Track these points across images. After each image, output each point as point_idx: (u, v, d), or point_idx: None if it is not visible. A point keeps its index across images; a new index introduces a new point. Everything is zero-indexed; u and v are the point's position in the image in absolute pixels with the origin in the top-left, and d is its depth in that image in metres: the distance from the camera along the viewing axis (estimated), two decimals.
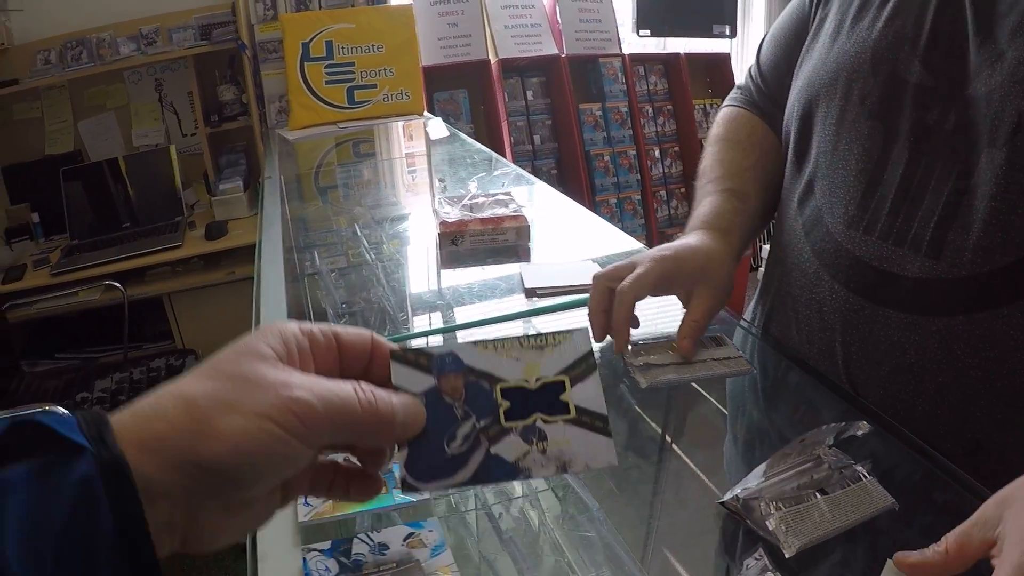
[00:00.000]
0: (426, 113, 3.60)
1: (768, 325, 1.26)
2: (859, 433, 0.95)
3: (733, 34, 4.61)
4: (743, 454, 1.16)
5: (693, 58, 4.48)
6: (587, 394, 0.56)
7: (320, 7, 3.64)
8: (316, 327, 0.53)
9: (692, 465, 1.16)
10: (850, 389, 1.07)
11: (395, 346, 0.57)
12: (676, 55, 4.40)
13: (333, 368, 0.54)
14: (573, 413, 0.55)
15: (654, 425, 1.23)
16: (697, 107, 4.40)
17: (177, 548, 0.47)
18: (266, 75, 3.61)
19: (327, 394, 0.47)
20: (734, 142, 1.30)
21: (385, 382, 0.55)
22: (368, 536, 0.93)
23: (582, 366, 0.57)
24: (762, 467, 0.91)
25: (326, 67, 3.50)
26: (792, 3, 1.27)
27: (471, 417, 0.54)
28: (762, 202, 1.23)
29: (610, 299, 1.04)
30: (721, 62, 4.55)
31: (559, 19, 4.12)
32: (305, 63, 3.48)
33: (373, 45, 3.53)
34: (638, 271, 1.04)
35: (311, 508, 0.99)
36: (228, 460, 0.43)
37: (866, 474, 0.90)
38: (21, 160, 3.68)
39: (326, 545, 0.92)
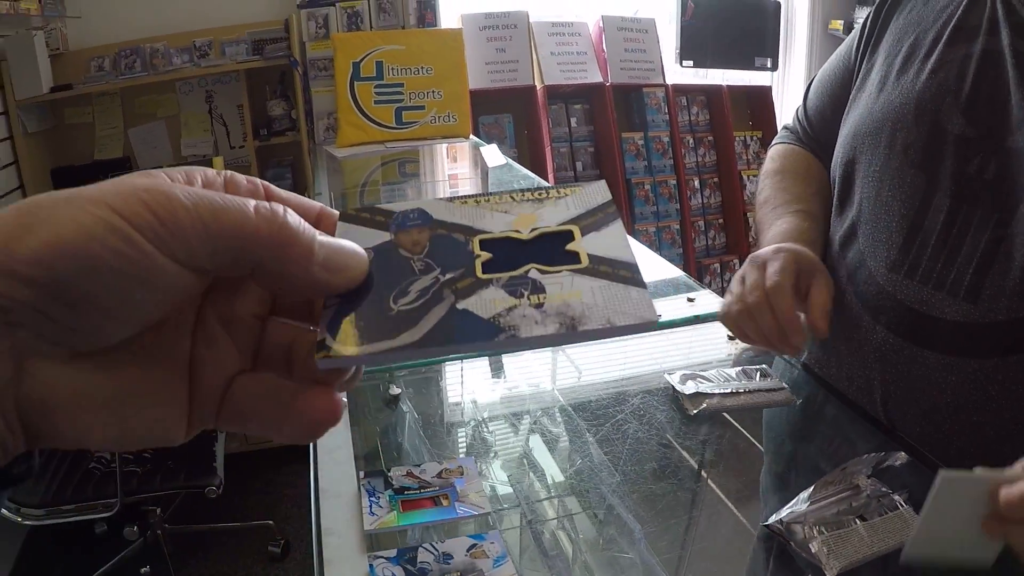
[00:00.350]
0: (472, 137, 3.64)
1: (806, 361, 1.30)
2: (897, 464, 1.01)
3: (775, 67, 4.62)
4: (779, 481, 1.20)
5: (735, 90, 4.50)
6: (605, 243, 0.40)
7: (372, 27, 3.69)
8: (245, 176, 0.41)
9: (723, 495, 1.19)
10: (888, 424, 1.10)
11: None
12: (718, 87, 4.42)
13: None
14: (585, 262, 0.39)
15: (687, 455, 1.26)
16: (737, 139, 4.42)
17: (11, 439, 0.33)
18: (316, 92, 3.66)
19: (205, 194, 0.34)
20: (793, 172, 1.33)
21: None
22: (433, 546, 0.96)
23: (598, 215, 0.42)
24: (806, 493, 0.96)
25: (376, 87, 3.53)
26: (838, 51, 1.31)
27: (433, 269, 0.40)
28: (826, 226, 1.26)
29: (761, 312, 1.04)
30: (762, 95, 4.56)
31: (605, 48, 4.15)
32: (355, 82, 3.52)
33: (422, 67, 3.57)
34: (774, 265, 1.05)
35: (376, 517, 1.03)
36: (50, 262, 0.30)
37: (903, 503, 0.95)
38: (71, 163, 3.74)
39: (392, 553, 0.95)
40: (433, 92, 3.58)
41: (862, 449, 1.09)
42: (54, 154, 3.72)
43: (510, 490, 1.20)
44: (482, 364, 1.59)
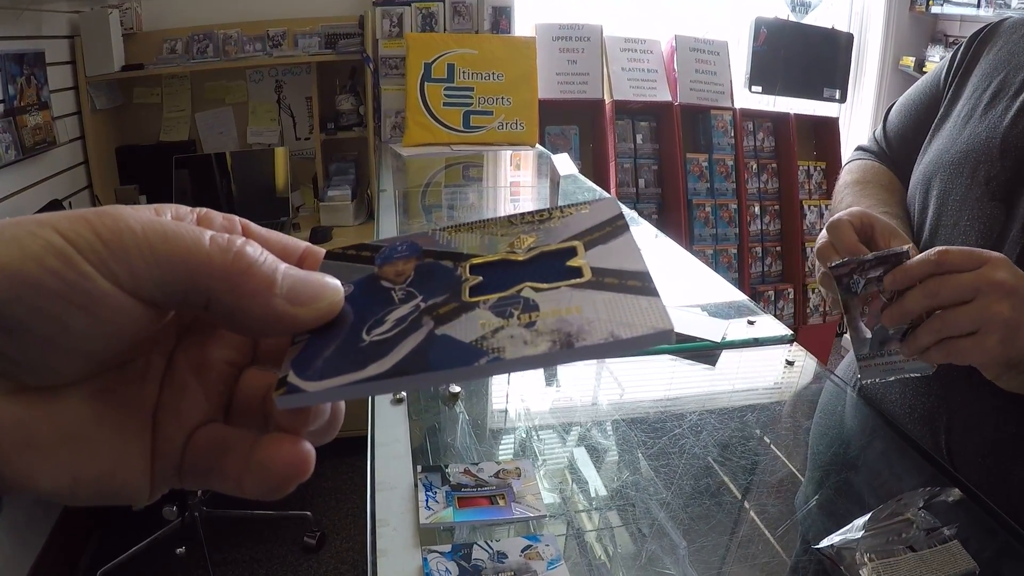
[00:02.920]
0: (537, 146, 3.63)
1: (864, 389, 1.29)
2: (950, 499, 1.01)
3: (843, 99, 4.59)
4: (823, 507, 1.20)
5: (801, 119, 4.46)
6: (612, 254, 0.36)
7: (445, 29, 3.70)
8: (221, 214, 0.38)
9: (760, 522, 1.18)
10: (947, 455, 1.10)
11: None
12: (786, 114, 4.39)
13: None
14: (588, 276, 0.35)
15: (726, 479, 1.25)
16: (801, 168, 4.38)
17: None
18: (385, 90, 3.68)
19: (158, 219, 0.32)
20: (876, 183, 1.34)
21: None
22: (488, 543, 0.96)
23: (606, 228, 0.38)
24: (860, 521, 0.97)
25: (445, 89, 3.55)
26: (926, 77, 1.33)
27: (415, 297, 0.36)
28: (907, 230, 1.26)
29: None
30: (829, 125, 4.53)
31: (676, 67, 4.14)
32: (426, 83, 3.53)
33: (493, 73, 3.57)
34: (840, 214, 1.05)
35: (432, 512, 1.02)
36: None
37: (952, 538, 0.95)
38: (136, 143, 3.79)
39: (447, 548, 0.95)
40: (502, 99, 3.58)
41: (908, 481, 1.10)
42: (120, 132, 3.78)
43: (555, 499, 1.19)
44: (536, 373, 1.59)
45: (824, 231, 1.04)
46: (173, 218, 0.34)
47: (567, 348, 0.32)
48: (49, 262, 0.29)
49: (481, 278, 0.36)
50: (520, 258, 0.37)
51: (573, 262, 0.36)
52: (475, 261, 0.37)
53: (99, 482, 0.33)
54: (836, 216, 1.03)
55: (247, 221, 0.38)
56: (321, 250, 0.40)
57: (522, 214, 0.40)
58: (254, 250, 0.33)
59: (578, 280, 0.35)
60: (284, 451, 0.34)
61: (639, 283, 0.34)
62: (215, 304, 0.32)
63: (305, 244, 0.39)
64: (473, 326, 0.34)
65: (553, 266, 0.36)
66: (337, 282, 0.36)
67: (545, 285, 0.35)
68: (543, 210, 0.40)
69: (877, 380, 1.01)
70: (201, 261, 0.31)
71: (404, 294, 0.36)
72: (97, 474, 0.33)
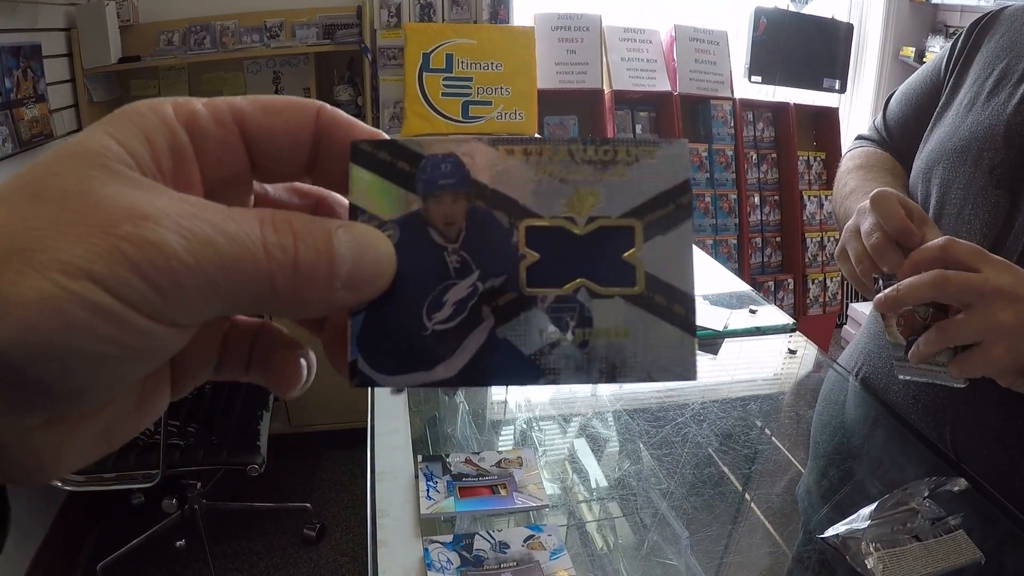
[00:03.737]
0: (537, 135, 3.61)
1: (866, 377, 1.29)
2: (955, 489, 1.02)
3: (843, 89, 4.57)
4: (825, 496, 1.20)
5: (801, 109, 4.45)
6: (667, 255, 0.34)
7: (444, 20, 3.69)
8: (207, 107, 0.33)
9: (761, 513, 1.18)
10: (953, 445, 1.10)
11: (359, 126, 0.35)
12: (786, 104, 4.38)
13: (235, 178, 0.34)
14: (641, 286, 0.34)
15: (727, 470, 1.25)
16: (801, 158, 4.37)
17: None
18: (384, 80, 3.66)
19: (203, 232, 0.26)
20: (880, 168, 1.33)
21: (336, 188, 0.37)
22: (489, 533, 0.96)
23: (668, 206, 0.34)
24: (867, 511, 0.98)
25: (444, 79, 3.53)
26: (926, 66, 1.34)
27: (471, 271, 0.34)
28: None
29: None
30: (829, 116, 4.52)
31: (675, 57, 4.12)
32: (424, 73, 3.52)
33: (492, 63, 3.56)
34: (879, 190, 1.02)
35: (433, 502, 1.01)
36: (20, 349, 0.24)
37: (957, 527, 0.96)
38: None
39: (448, 538, 0.95)
40: (501, 88, 3.57)
41: (911, 471, 1.10)
42: None
43: (556, 490, 1.18)
44: None
45: (868, 203, 1.01)
46: (170, 148, 0.31)
47: (609, 379, 0.33)
48: (103, 330, 0.25)
49: (538, 256, 0.34)
50: (578, 231, 0.34)
51: (630, 256, 0.34)
52: (531, 222, 0.34)
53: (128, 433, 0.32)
54: (884, 189, 1.00)
55: (245, 111, 0.33)
56: (339, 118, 0.35)
57: (584, 145, 0.35)
58: (311, 250, 0.29)
59: (631, 291, 0.34)
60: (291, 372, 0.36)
61: (683, 311, 0.33)
62: (274, 313, 0.30)
63: (314, 108, 0.34)
64: (532, 334, 0.33)
65: (610, 257, 0.34)
66: (391, 250, 0.33)
67: (601, 289, 0.34)
68: (608, 144, 0.35)
69: (914, 379, 0.99)
70: (264, 288, 0.28)
71: (459, 262, 0.34)
72: (125, 433, 0.32)
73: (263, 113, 0.33)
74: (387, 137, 0.35)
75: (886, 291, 0.92)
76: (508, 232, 0.34)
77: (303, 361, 0.36)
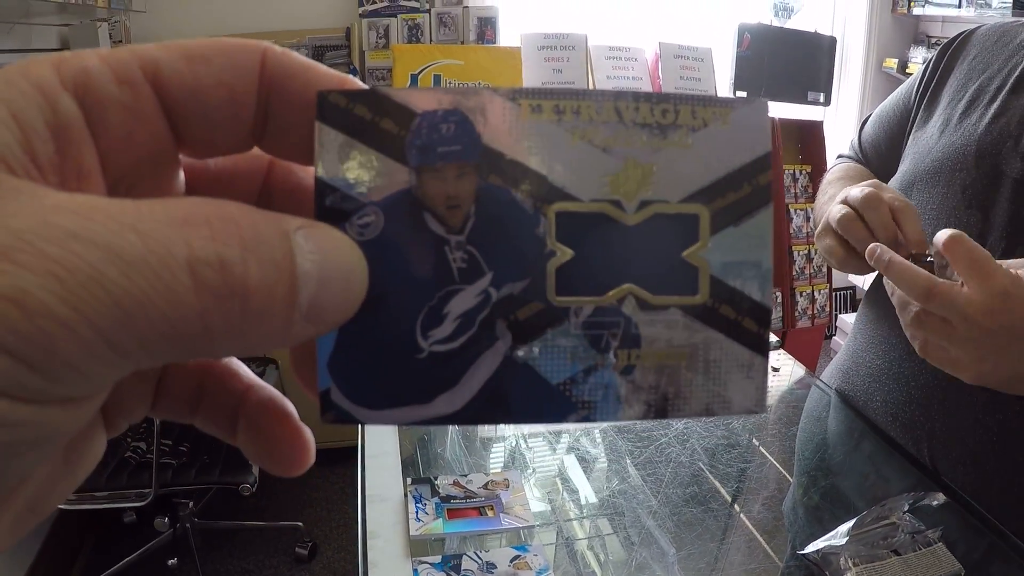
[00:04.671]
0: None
1: (846, 394, 1.30)
2: (934, 503, 1.03)
3: (827, 102, 4.60)
4: (809, 513, 1.21)
5: (786, 123, 4.47)
6: (740, 253, 0.26)
7: (431, 41, 3.71)
8: (106, 61, 0.23)
9: (752, 527, 1.19)
10: (931, 461, 1.11)
11: (322, 71, 0.25)
12: (770, 118, 4.40)
13: (152, 158, 0.24)
14: (704, 294, 0.26)
15: (714, 486, 1.26)
16: (787, 172, 4.40)
17: None
18: None
19: (86, 263, 0.18)
20: (859, 179, 1.34)
21: (296, 158, 0.27)
22: (477, 554, 0.97)
23: (743, 187, 0.27)
24: (845, 527, 0.99)
25: None
26: (900, 88, 1.34)
27: (481, 273, 0.25)
28: None
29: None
30: (813, 129, 4.53)
31: (660, 74, 4.15)
32: None
33: (480, 83, 3.58)
34: (862, 186, 1.04)
35: (422, 524, 1.03)
36: None
37: (937, 540, 0.97)
38: None
39: (436, 559, 0.97)
40: None
41: (895, 485, 1.11)
42: None
43: (545, 507, 1.20)
44: None
45: (859, 195, 1.02)
46: (55, 124, 0.21)
47: (659, 414, 0.26)
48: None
49: (572, 253, 0.25)
50: (628, 220, 0.26)
51: (691, 255, 0.26)
52: (563, 207, 0.25)
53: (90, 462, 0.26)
54: (875, 192, 1.01)
55: (160, 62, 0.23)
56: (297, 62, 0.25)
57: (637, 102, 0.26)
58: (270, 255, 0.21)
59: (692, 301, 0.26)
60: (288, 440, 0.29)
61: (755, 326, 0.26)
62: (204, 356, 0.22)
63: (260, 49, 0.25)
64: (561, 358, 0.26)
65: (666, 255, 0.26)
66: (363, 263, 0.24)
67: (653, 299, 0.26)
68: (667, 102, 0.26)
69: None
70: (192, 332, 0.19)
71: (465, 258, 0.25)
72: (58, 496, 0.25)
73: (186, 62, 0.24)
74: (364, 86, 0.25)
75: (891, 254, 0.91)
76: (532, 220, 0.25)
77: (306, 434, 0.29)
